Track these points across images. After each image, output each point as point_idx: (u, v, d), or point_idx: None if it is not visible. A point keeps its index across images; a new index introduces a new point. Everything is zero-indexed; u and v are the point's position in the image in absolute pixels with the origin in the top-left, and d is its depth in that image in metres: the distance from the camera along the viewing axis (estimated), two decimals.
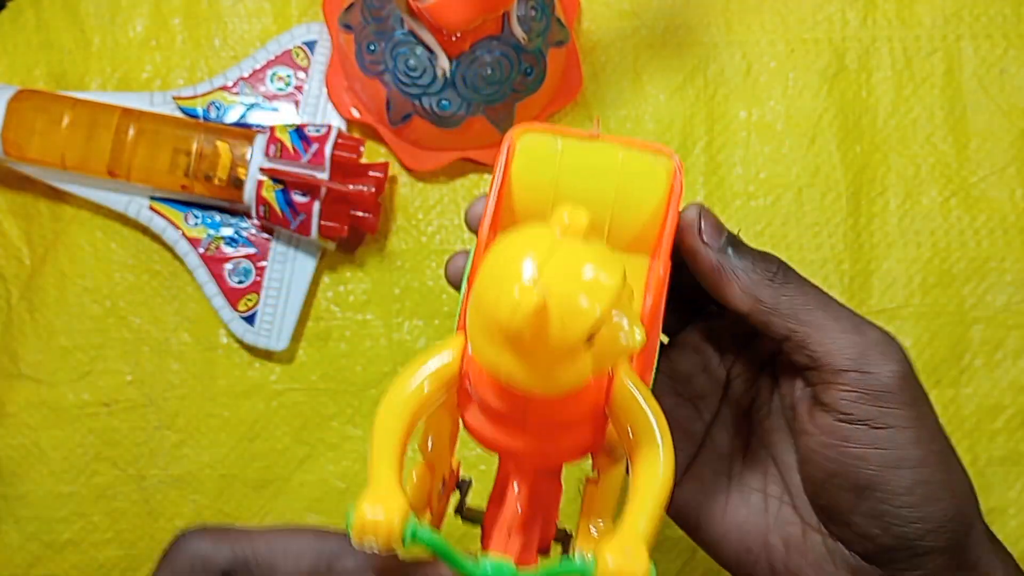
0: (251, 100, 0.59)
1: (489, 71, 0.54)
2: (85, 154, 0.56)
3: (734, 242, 0.35)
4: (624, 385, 0.29)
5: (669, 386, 0.39)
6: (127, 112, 0.57)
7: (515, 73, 0.55)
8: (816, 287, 0.35)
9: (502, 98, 0.55)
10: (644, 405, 0.28)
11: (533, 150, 0.33)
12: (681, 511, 0.38)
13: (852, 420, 0.33)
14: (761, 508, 0.37)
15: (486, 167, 0.59)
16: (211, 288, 0.57)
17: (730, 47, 0.60)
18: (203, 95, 0.59)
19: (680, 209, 0.34)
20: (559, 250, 0.25)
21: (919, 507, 0.33)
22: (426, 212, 0.59)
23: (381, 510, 0.26)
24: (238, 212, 0.57)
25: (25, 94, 0.57)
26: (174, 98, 0.58)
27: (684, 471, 0.38)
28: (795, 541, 0.36)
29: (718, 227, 0.35)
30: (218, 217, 0.58)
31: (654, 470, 0.28)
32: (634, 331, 0.25)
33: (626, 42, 0.61)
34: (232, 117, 0.58)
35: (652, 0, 0.61)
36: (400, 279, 0.59)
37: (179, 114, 0.58)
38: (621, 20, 0.61)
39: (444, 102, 0.54)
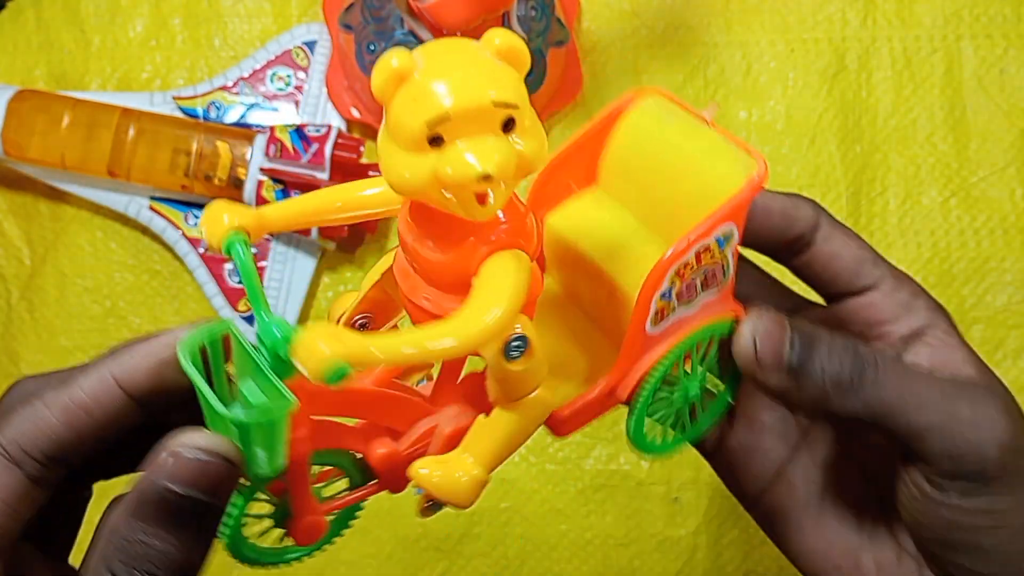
0: (251, 100, 0.59)
1: None
2: (85, 154, 0.56)
3: (799, 357, 0.32)
4: (490, 260, 0.27)
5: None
6: (127, 112, 0.57)
7: None
8: (899, 360, 0.32)
9: None
10: (491, 279, 0.26)
11: (648, 112, 0.34)
12: (768, 516, 0.37)
13: (949, 501, 0.31)
14: (855, 525, 0.35)
15: None
16: (211, 288, 0.57)
17: (730, 47, 0.60)
18: (203, 95, 0.59)
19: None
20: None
21: None
22: None
23: (226, 217, 0.28)
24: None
25: (25, 94, 0.57)
26: (174, 98, 0.58)
27: (775, 474, 0.37)
28: (888, 565, 0.34)
29: (777, 349, 0.32)
30: None
31: (449, 322, 0.26)
32: (479, 163, 0.23)
33: (626, 42, 0.61)
34: (232, 117, 0.58)
35: (652, 0, 0.61)
36: None
37: (179, 114, 0.58)
38: (621, 20, 0.61)
39: None
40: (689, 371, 0.33)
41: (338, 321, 0.32)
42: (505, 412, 0.29)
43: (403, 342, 0.25)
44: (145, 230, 0.59)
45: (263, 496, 0.30)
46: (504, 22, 0.53)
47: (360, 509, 0.33)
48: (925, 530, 0.32)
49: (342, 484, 0.32)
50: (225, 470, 0.26)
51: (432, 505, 0.31)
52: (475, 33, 0.56)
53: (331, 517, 0.31)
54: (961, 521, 0.31)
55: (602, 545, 0.56)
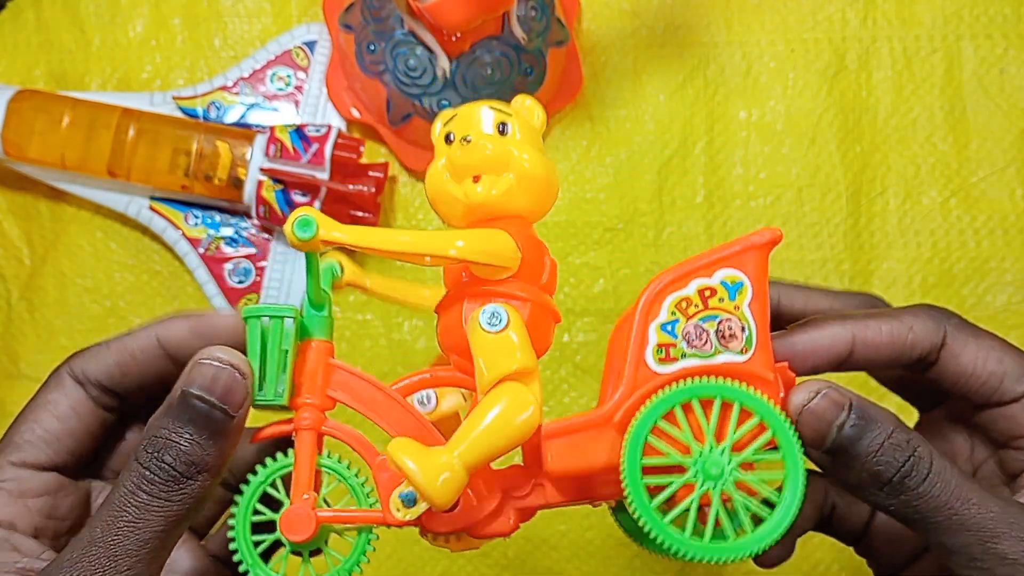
0: (251, 100, 0.59)
1: (489, 71, 0.54)
2: (85, 154, 0.56)
3: (849, 436, 0.30)
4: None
5: None
6: (127, 112, 0.57)
7: (515, 73, 0.55)
8: (957, 471, 0.30)
9: (502, 98, 0.55)
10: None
11: None
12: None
13: None
14: None
15: None
16: (211, 288, 0.57)
17: (730, 47, 0.60)
18: (203, 95, 0.59)
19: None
20: None
21: None
22: (426, 212, 0.59)
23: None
24: (238, 212, 0.57)
25: (25, 94, 0.57)
26: (174, 98, 0.58)
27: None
28: None
29: (827, 418, 0.30)
30: (218, 217, 0.58)
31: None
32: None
33: (626, 42, 0.61)
34: (232, 117, 0.58)
35: (652, 0, 0.61)
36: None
37: (179, 114, 0.58)
38: (621, 20, 0.61)
39: (444, 102, 0.54)
40: (714, 443, 0.30)
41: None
42: (484, 400, 0.30)
43: (376, 233, 0.30)
44: (145, 230, 0.59)
45: (271, 490, 0.32)
46: (504, 22, 0.53)
47: (372, 539, 0.32)
48: None
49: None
50: (234, 378, 0.30)
51: (407, 499, 0.31)
52: (475, 33, 0.56)
53: (348, 542, 0.32)
54: None
55: (602, 545, 0.56)
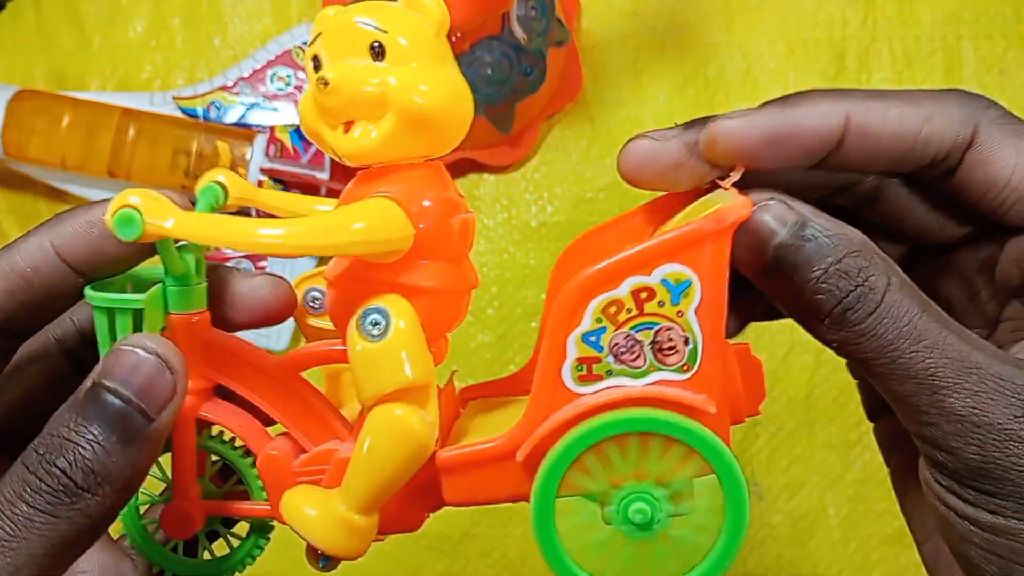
0: (251, 100, 0.59)
1: (489, 71, 0.54)
2: (85, 154, 0.56)
3: (777, 266, 0.25)
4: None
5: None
6: (127, 112, 0.57)
7: (515, 73, 0.55)
8: (912, 301, 0.25)
9: (502, 98, 0.55)
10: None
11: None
12: None
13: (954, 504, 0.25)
14: None
15: (486, 167, 0.59)
16: None
17: (730, 47, 0.60)
18: (203, 95, 0.59)
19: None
20: None
21: None
22: None
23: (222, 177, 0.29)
24: (238, 212, 0.57)
25: (25, 94, 0.57)
26: (174, 98, 0.58)
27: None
28: None
29: (756, 250, 0.25)
30: None
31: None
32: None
33: (626, 42, 0.61)
34: (232, 117, 0.58)
35: (652, 0, 0.61)
36: None
37: (179, 114, 0.58)
38: (621, 20, 0.61)
39: None
40: (637, 485, 0.25)
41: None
42: (363, 430, 0.25)
43: (211, 222, 0.24)
44: None
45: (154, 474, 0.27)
46: (504, 22, 0.53)
47: (268, 533, 0.29)
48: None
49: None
50: (159, 372, 0.24)
51: (324, 564, 0.27)
52: (475, 33, 0.56)
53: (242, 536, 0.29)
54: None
55: None
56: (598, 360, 0.25)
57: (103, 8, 0.61)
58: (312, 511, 0.26)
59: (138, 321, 0.26)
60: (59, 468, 0.23)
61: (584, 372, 0.25)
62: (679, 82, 0.60)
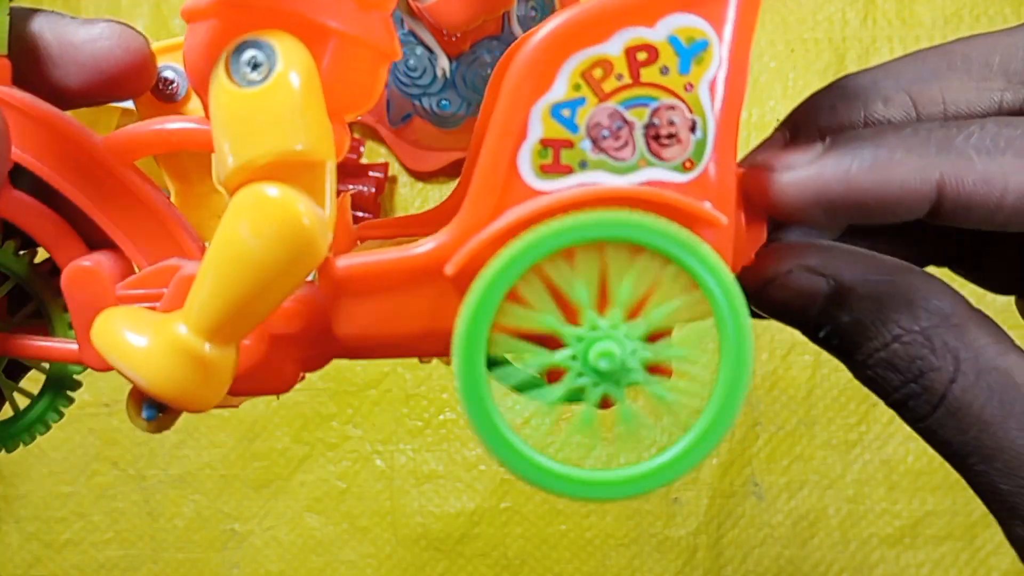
0: None
1: (489, 71, 0.54)
2: None
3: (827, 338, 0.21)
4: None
5: None
6: (127, 112, 0.56)
7: None
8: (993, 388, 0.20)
9: None
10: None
11: None
12: None
13: None
14: None
15: None
16: None
17: None
18: None
19: None
20: None
21: None
22: None
23: None
24: None
25: None
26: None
27: None
28: None
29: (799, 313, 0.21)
30: None
31: None
32: None
33: None
34: None
35: None
36: None
37: None
38: None
39: (444, 102, 0.54)
40: (607, 319, 0.18)
41: None
42: (224, 217, 0.18)
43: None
44: None
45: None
46: (504, 22, 0.53)
47: (72, 389, 0.22)
48: None
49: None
50: None
51: (150, 411, 0.20)
52: (475, 33, 0.56)
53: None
54: None
55: (602, 545, 0.56)
56: (570, 144, 0.18)
57: (103, 8, 0.61)
58: (138, 336, 0.18)
59: None
60: None
61: (549, 160, 0.18)
62: None
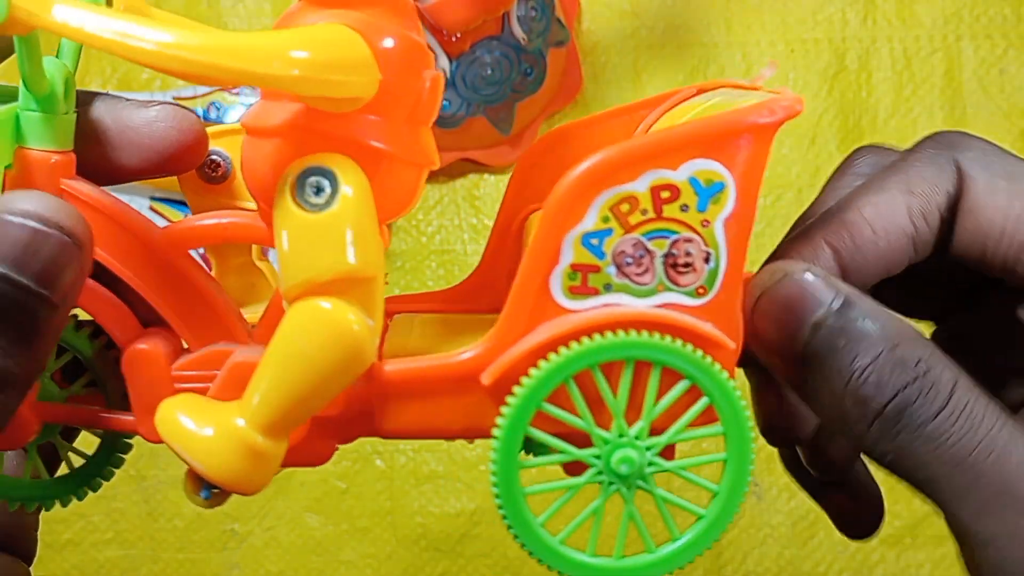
0: (251, 100, 0.59)
1: (489, 71, 0.54)
2: None
3: (824, 341, 0.21)
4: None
5: None
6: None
7: (515, 73, 0.55)
8: (984, 402, 0.20)
9: (502, 98, 0.55)
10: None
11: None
12: None
13: None
14: None
15: (486, 167, 0.59)
16: None
17: (730, 47, 0.60)
18: (203, 95, 0.59)
19: None
20: None
21: None
22: (426, 212, 0.59)
23: None
24: None
25: None
26: (174, 98, 0.58)
27: None
28: None
29: (799, 314, 0.21)
30: None
31: None
32: None
33: (626, 42, 0.61)
34: (232, 117, 0.58)
35: (652, 0, 0.61)
36: (400, 279, 0.59)
37: None
38: (621, 20, 0.61)
39: (444, 102, 0.55)
40: (635, 429, 0.21)
41: None
42: (281, 326, 0.20)
43: (113, 20, 0.18)
44: None
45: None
46: (504, 22, 0.53)
47: (123, 452, 0.24)
48: None
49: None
50: (61, 246, 0.19)
51: (207, 494, 0.22)
52: (475, 33, 0.56)
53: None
54: None
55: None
56: (597, 269, 0.20)
57: None
58: (202, 427, 0.20)
59: None
60: None
61: (578, 283, 0.20)
62: (679, 82, 0.60)
